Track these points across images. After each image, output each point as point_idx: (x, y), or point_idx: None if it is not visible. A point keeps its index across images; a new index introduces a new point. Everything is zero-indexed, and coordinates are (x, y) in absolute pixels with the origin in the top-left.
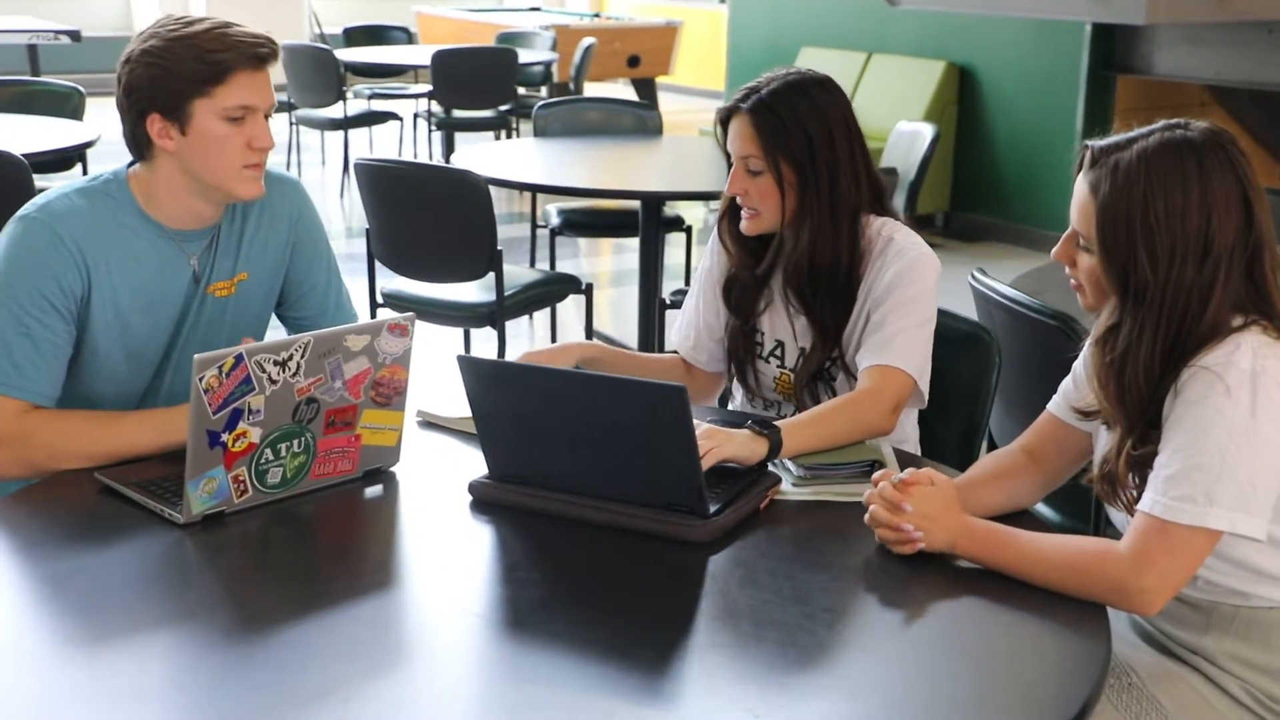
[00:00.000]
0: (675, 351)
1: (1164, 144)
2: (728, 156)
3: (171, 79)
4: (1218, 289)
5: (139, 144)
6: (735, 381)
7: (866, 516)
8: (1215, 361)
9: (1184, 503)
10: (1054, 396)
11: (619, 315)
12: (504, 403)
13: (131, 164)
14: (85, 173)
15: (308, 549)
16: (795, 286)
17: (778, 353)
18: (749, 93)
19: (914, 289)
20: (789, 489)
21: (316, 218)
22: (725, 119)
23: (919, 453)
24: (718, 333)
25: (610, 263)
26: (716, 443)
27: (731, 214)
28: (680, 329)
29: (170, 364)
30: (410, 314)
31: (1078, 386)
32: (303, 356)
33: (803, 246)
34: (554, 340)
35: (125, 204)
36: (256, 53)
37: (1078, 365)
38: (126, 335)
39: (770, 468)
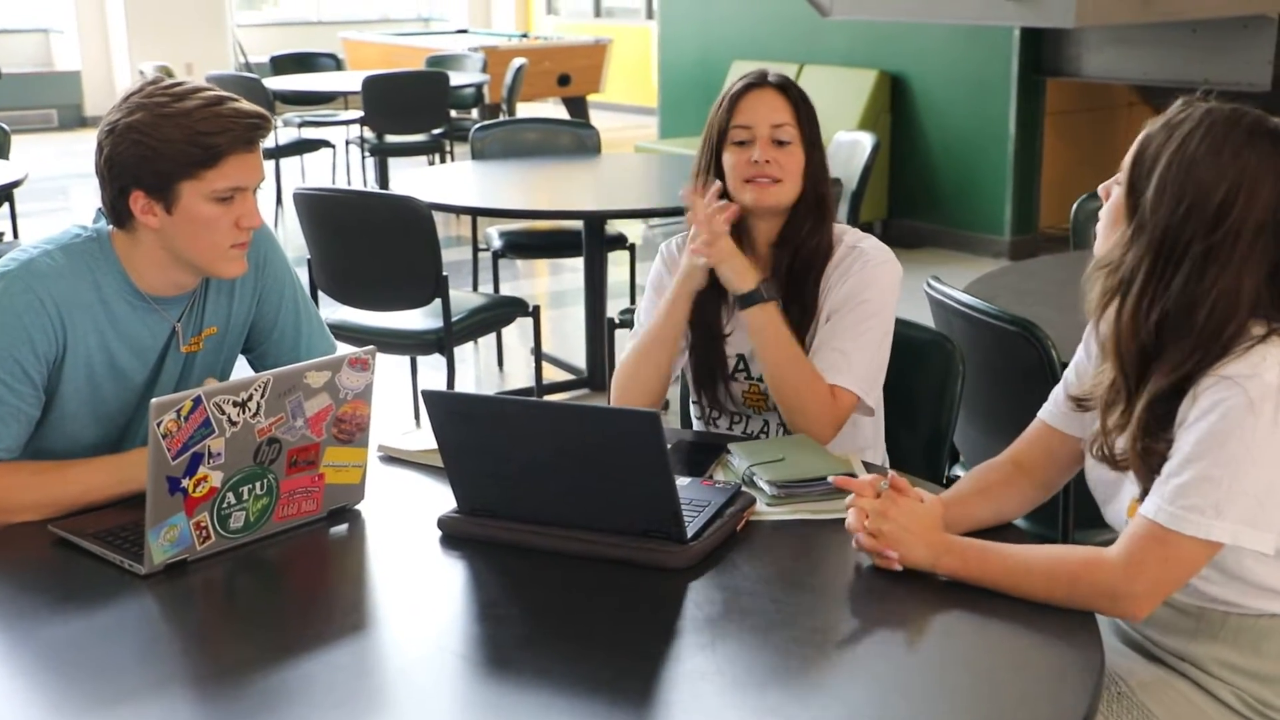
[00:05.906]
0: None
1: (1228, 110)
2: (716, 143)
3: (159, 160)
4: (1218, 263)
5: (119, 215)
6: (696, 403)
7: (848, 522)
8: (1239, 372)
9: (1191, 513)
10: (1045, 404)
11: (563, 336)
12: (472, 436)
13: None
14: (14, 213)
15: (276, 594)
16: (787, 285)
17: (741, 366)
18: (762, 75)
19: (875, 301)
20: (764, 509)
21: (283, 258)
22: (740, 94)
23: (885, 461)
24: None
25: (550, 283)
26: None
27: None
28: None
29: (134, 425)
30: (371, 348)
31: (1080, 376)
32: (262, 396)
33: (807, 235)
34: (500, 364)
35: (109, 266)
36: (250, 135)
37: (1080, 351)
38: (96, 399)
39: (744, 489)
